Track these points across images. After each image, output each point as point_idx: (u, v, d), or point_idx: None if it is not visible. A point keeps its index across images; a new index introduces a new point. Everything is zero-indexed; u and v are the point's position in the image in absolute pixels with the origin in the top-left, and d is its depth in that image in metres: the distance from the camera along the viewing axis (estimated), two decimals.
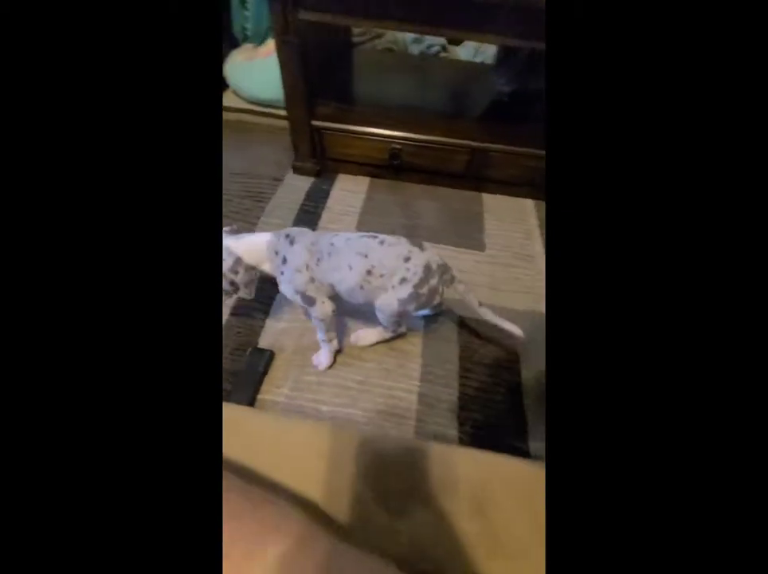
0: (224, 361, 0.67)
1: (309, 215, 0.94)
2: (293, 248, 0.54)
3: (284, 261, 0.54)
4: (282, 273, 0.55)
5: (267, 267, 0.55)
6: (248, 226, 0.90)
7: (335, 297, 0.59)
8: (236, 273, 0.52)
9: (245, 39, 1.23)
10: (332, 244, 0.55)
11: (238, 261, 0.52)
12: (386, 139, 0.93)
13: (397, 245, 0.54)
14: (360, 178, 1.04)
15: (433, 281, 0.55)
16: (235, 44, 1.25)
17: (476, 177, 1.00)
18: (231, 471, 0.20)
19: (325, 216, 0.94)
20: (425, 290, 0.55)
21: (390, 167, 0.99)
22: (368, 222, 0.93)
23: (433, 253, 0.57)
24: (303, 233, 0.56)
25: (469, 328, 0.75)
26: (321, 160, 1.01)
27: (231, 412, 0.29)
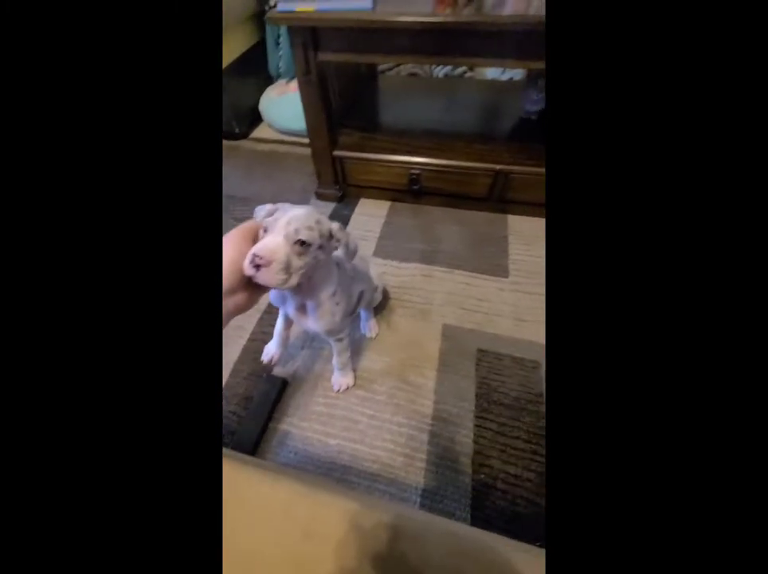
0: (239, 386, 0.69)
1: None
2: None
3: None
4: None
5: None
6: None
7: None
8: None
9: (279, 76, 1.32)
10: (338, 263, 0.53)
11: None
12: (405, 165, 0.93)
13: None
14: (381, 202, 1.05)
15: None
16: (270, 81, 1.35)
17: (501, 199, 0.96)
18: None
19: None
20: None
21: (410, 191, 0.99)
22: (386, 247, 0.93)
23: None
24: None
25: (488, 361, 0.70)
26: (343, 186, 1.04)
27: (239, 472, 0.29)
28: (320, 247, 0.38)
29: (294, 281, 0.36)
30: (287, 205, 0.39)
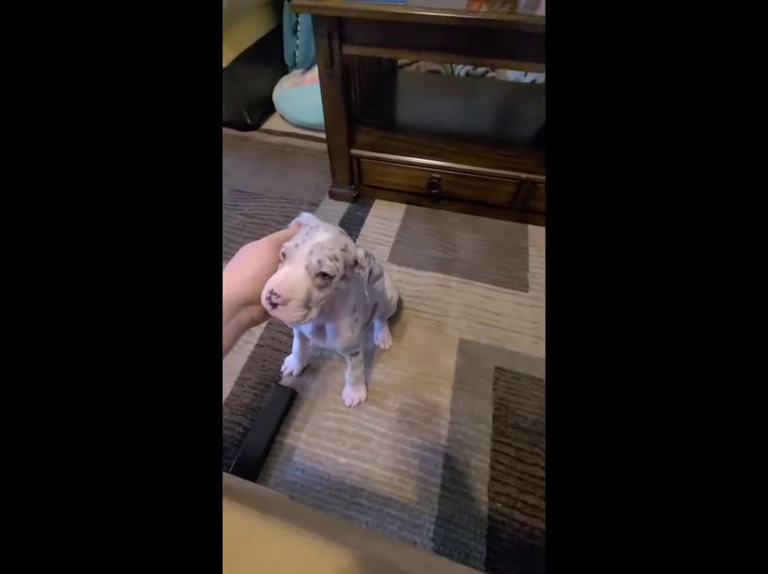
0: (245, 395, 0.66)
1: None
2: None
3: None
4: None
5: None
6: None
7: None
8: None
9: (294, 65, 1.27)
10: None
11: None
12: (425, 169, 0.89)
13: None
14: (396, 204, 1.01)
15: None
16: (285, 70, 1.29)
17: (523, 209, 0.92)
18: None
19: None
20: None
21: (428, 195, 0.95)
22: (402, 253, 0.89)
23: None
24: None
25: (506, 381, 0.67)
26: (358, 186, 1.00)
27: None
28: (343, 277, 0.34)
29: (314, 314, 0.33)
30: (313, 221, 0.35)
